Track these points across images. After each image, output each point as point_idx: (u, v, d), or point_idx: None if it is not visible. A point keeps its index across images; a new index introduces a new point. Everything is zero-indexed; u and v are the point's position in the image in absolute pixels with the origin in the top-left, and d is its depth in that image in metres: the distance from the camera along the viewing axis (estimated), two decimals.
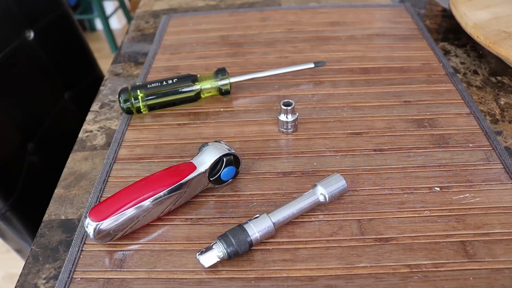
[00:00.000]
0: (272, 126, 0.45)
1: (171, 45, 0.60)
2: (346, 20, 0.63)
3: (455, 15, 0.57)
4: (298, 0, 0.72)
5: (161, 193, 0.34)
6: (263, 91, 0.50)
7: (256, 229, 0.32)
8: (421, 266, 0.31)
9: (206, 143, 0.38)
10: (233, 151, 0.37)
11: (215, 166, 0.36)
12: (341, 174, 0.35)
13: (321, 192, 0.34)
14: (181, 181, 0.34)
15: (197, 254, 0.32)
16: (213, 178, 0.37)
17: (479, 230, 0.33)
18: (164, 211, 0.35)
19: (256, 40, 0.60)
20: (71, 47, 0.82)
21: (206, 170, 0.36)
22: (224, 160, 0.36)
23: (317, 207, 0.35)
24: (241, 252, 0.32)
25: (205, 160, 0.36)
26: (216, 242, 0.32)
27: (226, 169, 0.37)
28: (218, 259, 0.31)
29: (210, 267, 0.31)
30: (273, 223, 0.33)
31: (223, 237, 0.32)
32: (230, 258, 0.32)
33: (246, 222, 0.33)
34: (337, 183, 0.35)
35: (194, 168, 0.35)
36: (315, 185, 0.35)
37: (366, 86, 0.49)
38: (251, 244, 0.32)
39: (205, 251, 0.31)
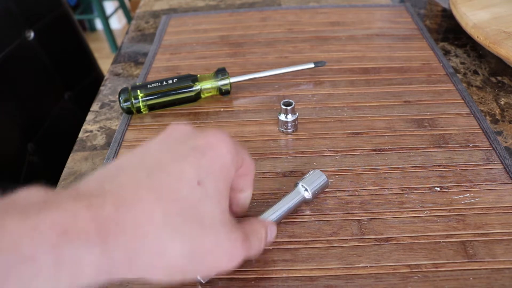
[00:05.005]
0: (272, 126, 0.45)
1: (171, 45, 0.60)
2: (346, 20, 0.64)
3: (455, 15, 0.57)
4: (298, 0, 0.72)
5: None
6: (263, 91, 0.50)
7: None
8: (421, 266, 0.31)
9: None
10: None
11: None
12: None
13: (305, 189, 0.34)
14: None
15: None
16: None
17: (479, 230, 0.33)
18: None
19: (256, 40, 0.60)
20: (71, 47, 0.82)
21: None
22: None
23: (317, 207, 0.35)
24: None
25: None
26: None
27: None
28: None
29: None
30: None
31: None
32: None
33: None
34: (318, 178, 0.35)
35: None
36: (296, 184, 0.35)
37: (366, 86, 0.49)
38: None
39: None
